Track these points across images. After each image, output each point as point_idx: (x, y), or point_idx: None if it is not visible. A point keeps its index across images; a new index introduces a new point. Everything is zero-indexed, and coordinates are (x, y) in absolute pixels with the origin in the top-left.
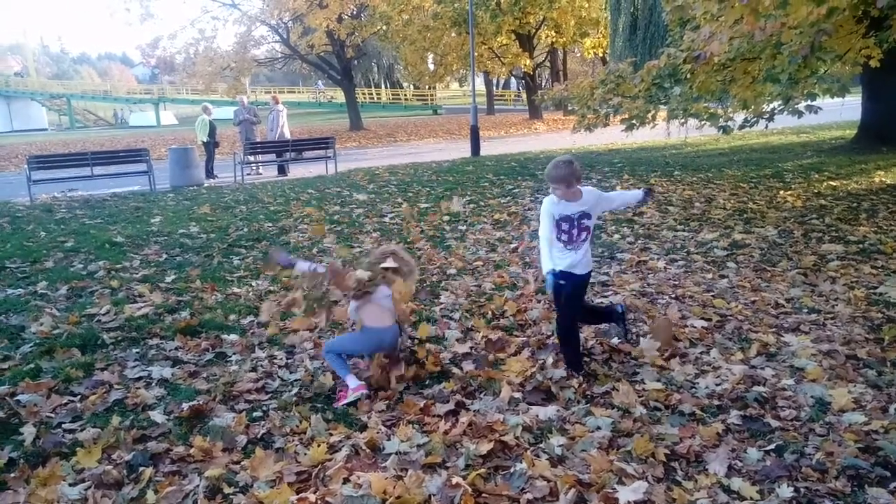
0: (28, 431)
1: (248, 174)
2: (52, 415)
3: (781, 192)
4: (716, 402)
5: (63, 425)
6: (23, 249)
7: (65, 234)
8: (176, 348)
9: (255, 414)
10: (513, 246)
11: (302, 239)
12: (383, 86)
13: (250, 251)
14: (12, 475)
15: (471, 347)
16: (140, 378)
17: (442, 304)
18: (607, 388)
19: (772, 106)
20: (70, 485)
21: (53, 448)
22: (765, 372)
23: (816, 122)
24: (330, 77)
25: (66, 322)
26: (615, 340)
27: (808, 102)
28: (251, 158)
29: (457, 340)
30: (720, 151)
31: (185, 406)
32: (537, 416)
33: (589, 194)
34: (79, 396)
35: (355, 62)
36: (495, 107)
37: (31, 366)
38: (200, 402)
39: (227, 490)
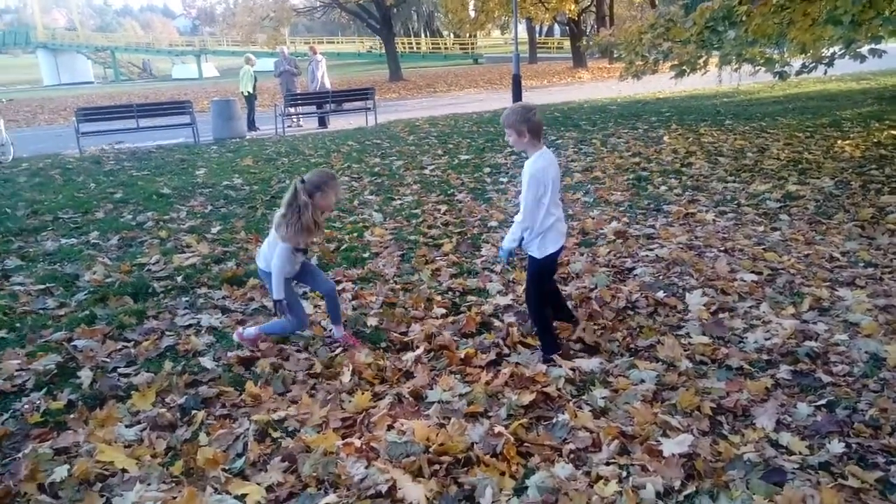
0: (85, 375)
1: (289, 126)
2: (108, 359)
3: (839, 142)
4: (765, 357)
5: (118, 369)
6: (74, 200)
7: (114, 185)
8: (223, 297)
9: (300, 361)
10: None
11: (343, 191)
12: (423, 35)
13: None
14: (72, 416)
15: (512, 300)
16: (190, 325)
17: (483, 256)
18: (652, 341)
19: (832, 50)
20: (126, 426)
21: (110, 391)
22: (817, 327)
23: (878, 68)
24: (369, 26)
25: (118, 271)
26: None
27: (872, 46)
28: (292, 110)
29: (498, 293)
30: (774, 99)
31: (231, 354)
32: (580, 368)
33: (527, 166)
34: (132, 342)
35: (395, 10)
36: (538, 55)
37: (86, 312)
38: (247, 351)
39: (275, 434)
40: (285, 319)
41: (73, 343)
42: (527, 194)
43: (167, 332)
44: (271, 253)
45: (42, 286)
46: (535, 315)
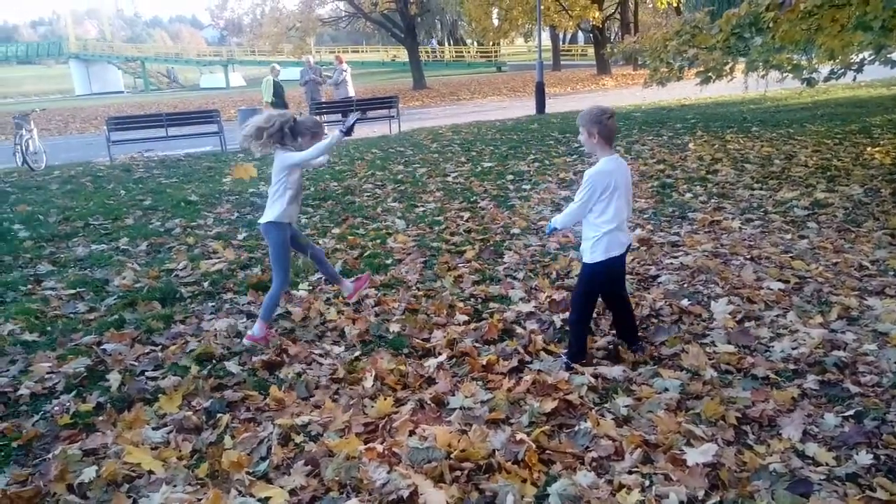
0: (114, 378)
1: None
2: (136, 363)
3: (869, 149)
4: (791, 367)
5: (146, 373)
6: (105, 207)
7: (143, 192)
8: (248, 303)
9: (323, 366)
10: None
11: (367, 199)
12: (447, 43)
13: (317, 210)
14: (100, 418)
15: (535, 307)
16: (216, 330)
17: (505, 263)
18: (676, 349)
19: (861, 56)
20: (153, 428)
21: (137, 394)
22: (845, 336)
23: None
24: (393, 35)
25: (146, 276)
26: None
27: None
28: (317, 118)
29: (520, 300)
30: (802, 106)
31: (256, 359)
32: (602, 375)
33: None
34: (160, 346)
35: (419, 19)
36: (562, 62)
37: (116, 317)
38: (272, 355)
39: (298, 438)
40: (275, 283)
41: (102, 347)
42: (579, 193)
43: (194, 337)
44: (276, 202)
45: (73, 291)
46: (576, 320)
